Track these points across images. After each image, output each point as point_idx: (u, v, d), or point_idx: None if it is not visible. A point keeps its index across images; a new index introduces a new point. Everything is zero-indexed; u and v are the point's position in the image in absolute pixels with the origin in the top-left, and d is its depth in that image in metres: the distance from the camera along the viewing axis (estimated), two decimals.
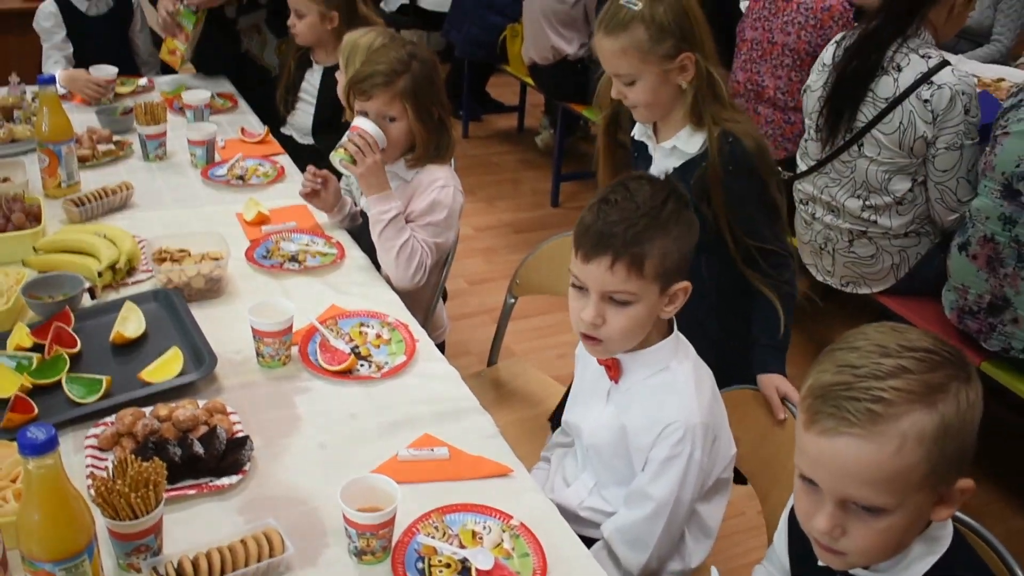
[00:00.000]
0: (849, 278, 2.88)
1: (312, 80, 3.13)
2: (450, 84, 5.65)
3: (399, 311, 2.10)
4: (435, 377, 1.90)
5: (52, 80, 2.48)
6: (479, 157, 5.28)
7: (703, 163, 1.91)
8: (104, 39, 3.43)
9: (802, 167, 2.92)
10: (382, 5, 5.52)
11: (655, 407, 1.57)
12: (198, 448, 1.57)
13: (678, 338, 1.64)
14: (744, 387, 1.88)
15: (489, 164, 5.19)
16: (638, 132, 2.08)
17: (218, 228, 2.36)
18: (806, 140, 2.90)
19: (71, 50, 3.40)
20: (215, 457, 1.57)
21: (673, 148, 1.97)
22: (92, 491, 1.36)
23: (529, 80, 4.64)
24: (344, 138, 2.21)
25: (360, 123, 2.21)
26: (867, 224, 2.75)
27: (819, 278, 2.99)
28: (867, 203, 2.72)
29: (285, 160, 2.85)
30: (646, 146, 2.06)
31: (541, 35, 4.23)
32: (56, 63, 3.37)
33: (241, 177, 2.72)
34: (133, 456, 1.41)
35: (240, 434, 1.65)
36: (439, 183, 2.27)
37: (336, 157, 2.21)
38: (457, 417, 1.77)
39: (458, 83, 5.47)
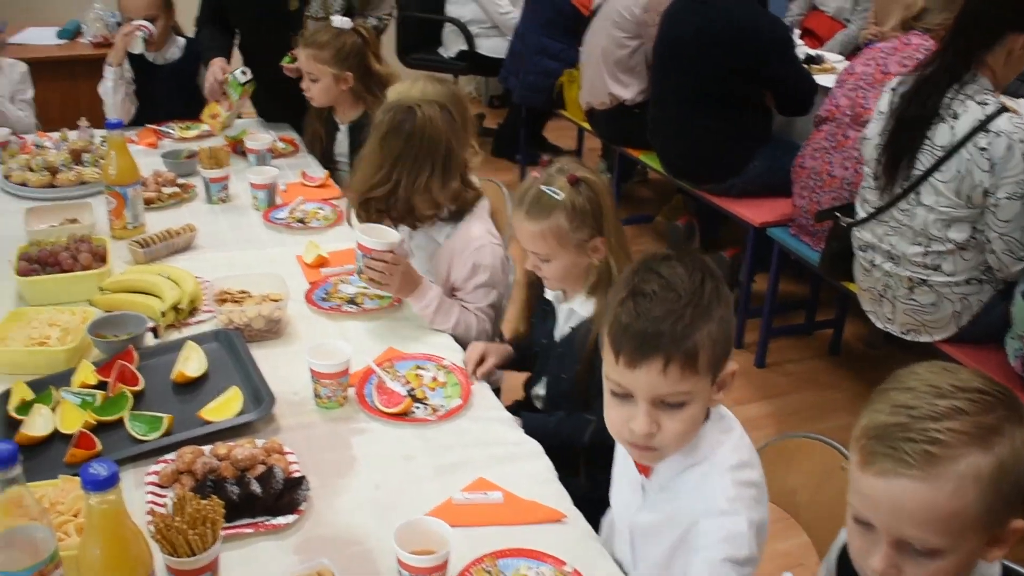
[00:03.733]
0: (910, 326, 2.84)
1: (341, 141, 3.19)
2: (507, 129, 5.72)
3: (455, 355, 2.12)
4: (490, 421, 1.90)
5: (119, 124, 2.55)
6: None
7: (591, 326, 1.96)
8: (171, 86, 3.52)
9: (861, 214, 2.89)
10: (440, 51, 5.60)
11: (695, 501, 1.42)
12: (255, 487, 1.59)
13: (719, 419, 1.47)
14: (799, 435, 1.85)
15: None
16: (550, 294, 2.12)
17: (279, 270, 2.40)
18: (864, 187, 2.88)
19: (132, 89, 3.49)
20: (272, 496, 1.59)
21: (571, 311, 2.04)
22: (151, 527, 1.39)
23: (586, 125, 4.67)
24: (358, 262, 2.17)
25: (364, 242, 2.15)
26: (927, 272, 2.71)
27: (879, 325, 2.95)
28: (927, 251, 2.69)
29: (345, 204, 2.89)
30: (553, 305, 2.12)
31: (599, 81, 4.27)
32: (111, 108, 3.45)
33: (301, 220, 2.77)
34: (192, 493, 1.44)
35: (297, 474, 1.66)
36: (474, 244, 2.28)
37: (362, 284, 2.23)
38: (512, 461, 1.77)
39: (515, 128, 5.52)
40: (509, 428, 1.89)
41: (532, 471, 1.76)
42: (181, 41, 3.54)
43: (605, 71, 4.21)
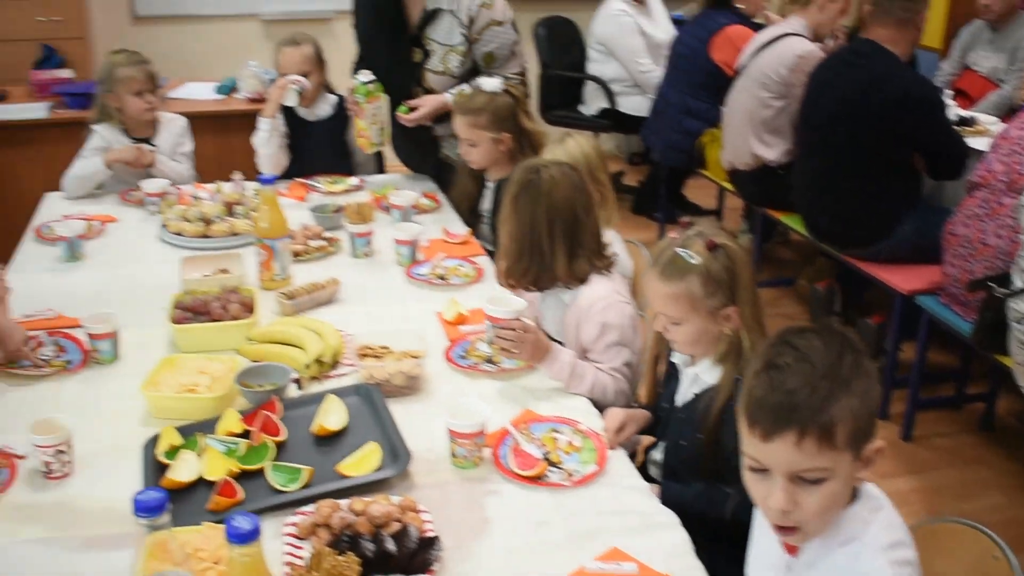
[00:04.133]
0: None
1: (487, 197, 3.23)
2: (647, 187, 5.70)
3: (591, 418, 2.09)
4: (626, 488, 1.86)
5: (273, 180, 2.65)
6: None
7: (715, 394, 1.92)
8: (322, 142, 3.64)
9: (1018, 284, 2.75)
10: (581, 108, 5.64)
11: None
12: (390, 545, 1.60)
13: (867, 497, 1.40)
14: (951, 520, 1.74)
15: None
16: (677, 357, 2.09)
17: (418, 326, 2.44)
18: (1021, 257, 2.74)
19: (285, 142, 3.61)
20: (406, 555, 1.59)
21: (696, 376, 2.00)
22: None
23: (728, 185, 4.62)
24: (488, 332, 2.20)
25: (491, 311, 2.18)
26: None
27: None
28: None
29: (485, 262, 2.91)
30: (678, 368, 2.08)
31: (742, 141, 4.22)
32: (264, 159, 3.58)
33: (442, 276, 2.80)
34: (329, 549, 1.45)
35: (430, 533, 1.66)
36: (600, 304, 2.27)
37: (492, 353, 2.25)
38: (647, 532, 1.73)
39: (655, 187, 5.49)
40: (645, 497, 1.84)
41: (668, 543, 1.71)
42: (332, 98, 3.66)
43: (749, 131, 4.16)
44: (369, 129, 3.41)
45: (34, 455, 1.88)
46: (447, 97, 3.39)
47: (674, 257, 1.90)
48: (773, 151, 4.13)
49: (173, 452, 1.91)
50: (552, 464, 1.91)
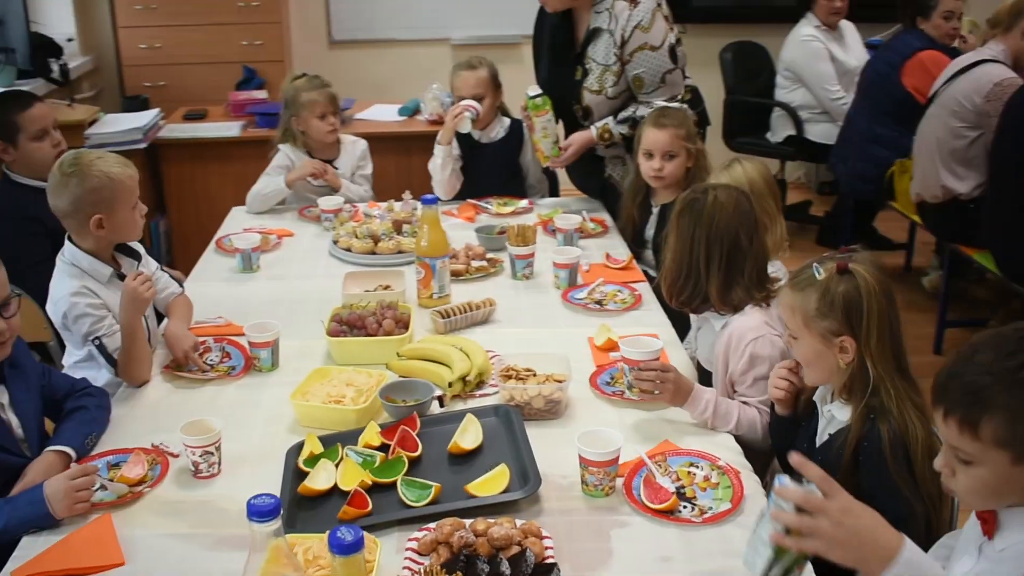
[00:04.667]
0: None
1: (652, 223, 3.17)
2: (833, 218, 5.48)
3: (733, 455, 2.01)
4: None
5: (435, 201, 2.70)
6: None
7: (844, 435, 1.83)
8: (494, 163, 3.69)
9: None
10: (768, 136, 5.49)
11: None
12: (505, 568, 1.58)
13: None
14: None
15: None
16: (817, 395, 1.97)
17: (570, 351, 2.41)
18: None
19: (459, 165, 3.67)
20: None
21: (832, 416, 1.90)
22: None
23: (916, 217, 4.37)
24: (627, 376, 2.18)
25: (629, 355, 2.15)
26: None
27: None
28: None
29: (644, 288, 2.86)
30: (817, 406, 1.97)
31: (931, 172, 3.98)
32: (439, 184, 3.66)
33: (599, 302, 2.77)
34: (440, 567, 1.44)
35: (549, 560, 1.64)
36: (751, 335, 2.18)
37: (633, 395, 2.19)
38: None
39: (842, 217, 5.27)
40: None
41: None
42: (506, 121, 3.70)
43: (939, 162, 3.92)
44: (541, 143, 3.43)
45: (186, 454, 1.97)
46: (592, 133, 3.40)
47: (805, 269, 1.86)
48: (964, 184, 3.88)
49: (313, 460, 1.96)
50: (686, 499, 1.85)
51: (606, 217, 3.52)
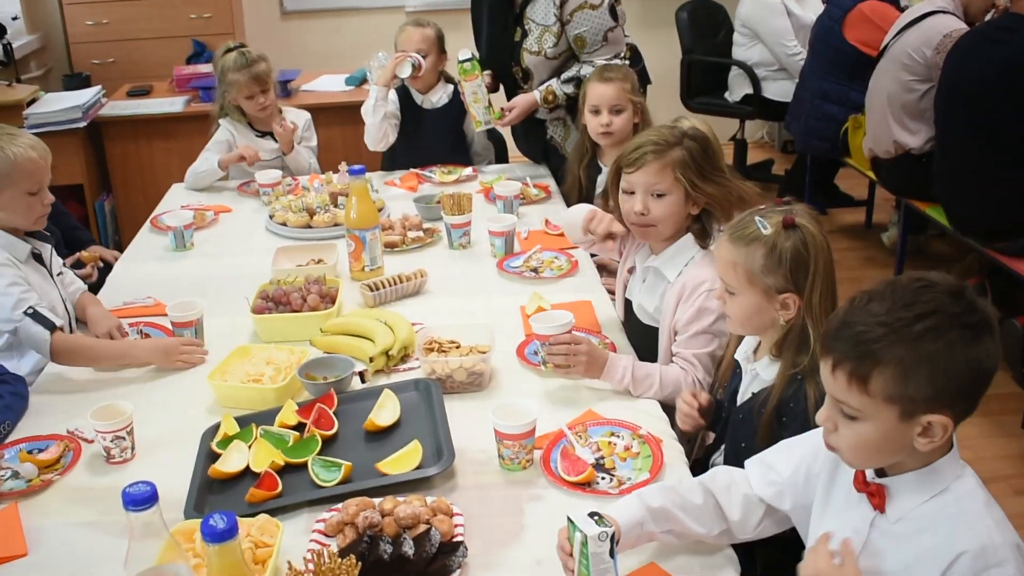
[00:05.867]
0: None
1: (602, 184, 3.11)
2: (794, 177, 5.43)
3: (657, 423, 1.97)
4: None
5: (363, 171, 2.64)
6: None
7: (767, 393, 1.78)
8: (438, 130, 3.62)
9: None
10: (726, 95, 5.43)
11: (942, 536, 1.30)
12: (408, 548, 1.54)
13: (956, 454, 1.36)
14: None
15: None
16: (739, 353, 1.93)
17: (501, 320, 2.38)
18: None
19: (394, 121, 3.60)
20: (423, 559, 1.53)
21: (756, 374, 1.84)
22: None
23: (870, 173, 4.33)
24: (540, 351, 2.12)
25: (538, 330, 2.09)
26: None
27: None
28: None
29: (582, 254, 2.82)
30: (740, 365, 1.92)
31: (884, 127, 3.93)
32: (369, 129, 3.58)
33: (535, 269, 2.73)
34: (332, 551, 1.41)
35: (458, 538, 1.60)
36: (705, 287, 2.12)
37: (548, 371, 2.13)
38: (695, 551, 1.61)
39: (802, 176, 5.23)
40: None
41: (715, 564, 1.59)
42: (449, 88, 3.63)
43: (891, 117, 3.87)
44: (473, 107, 3.38)
45: (97, 440, 1.93)
46: (536, 96, 3.35)
47: (747, 222, 1.79)
48: (916, 138, 3.83)
49: (227, 442, 1.92)
50: (604, 470, 1.82)
51: (550, 183, 3.47)
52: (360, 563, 1.49)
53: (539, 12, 3.26)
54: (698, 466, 1.94)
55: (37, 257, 2.41)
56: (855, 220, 5.43)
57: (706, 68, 5.47)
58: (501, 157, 3.91)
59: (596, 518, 1.44)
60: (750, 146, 6.06)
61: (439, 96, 3.62)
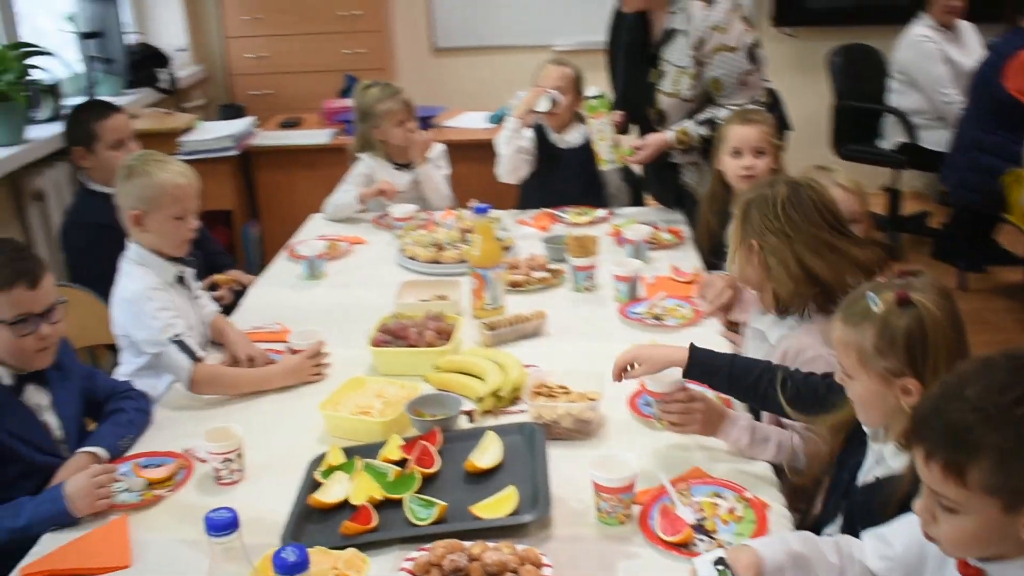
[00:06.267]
0: None
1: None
2: (950, 230, 5.19)
3: (765, 487, 1.89)
4: None
5: (487, 209, 2.65)
6: (973, 313, 4.72)
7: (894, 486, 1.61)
8: (572, 171, 3.61)
9: None
10: (879, 143, 5.24)
11: None
12: None
13: None
14: None
15: (983, 322, 4.63)
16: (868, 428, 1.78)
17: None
18: None
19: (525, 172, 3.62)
20: None
21: (882, 455, 1.71)
22: None
23: None
24: (655, 409, 2.05)
25: (651, 387, 2.03)
26: None
27: None
28: None
29: (706, 304, 2.74)
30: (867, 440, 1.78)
31: None
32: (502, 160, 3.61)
33: (658, 317, 2.67)
34: None
35: None
36: (808, 353, 2.02)
37: (662, 427, 2.05)
38: None
39: (957, 230, 4.98)
40: None
41: None
42: (584, 128, 3.63)
43: None
44: (598, 145, 3.36)
45: (209, 461, 1.98)
46: (668, 135, 3.29)
47: (859, 299, 1.66)
48: None
49: (330, 471, 1.94)
50: (704, 532, 1.75)
51: (684, 228, 3.40)
52: None
53: (676, 54, 3.23)
54: None
55: (181, 280, 2.51)
56: (1017, 279, 5.14)
57: (858, 115, 5.30)
58: (637, 200, 3.87)
59: (720, 567, 1.41)
60: (906, 196, 5.82)
61: (574, 136, 3.62)
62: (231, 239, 4.45)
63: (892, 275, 1.72)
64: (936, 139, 4.95)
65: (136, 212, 2.38)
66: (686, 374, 2.00)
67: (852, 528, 1.74)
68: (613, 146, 3.34)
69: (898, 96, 5.08)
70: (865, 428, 1.80)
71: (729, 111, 3.16)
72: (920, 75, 4.92)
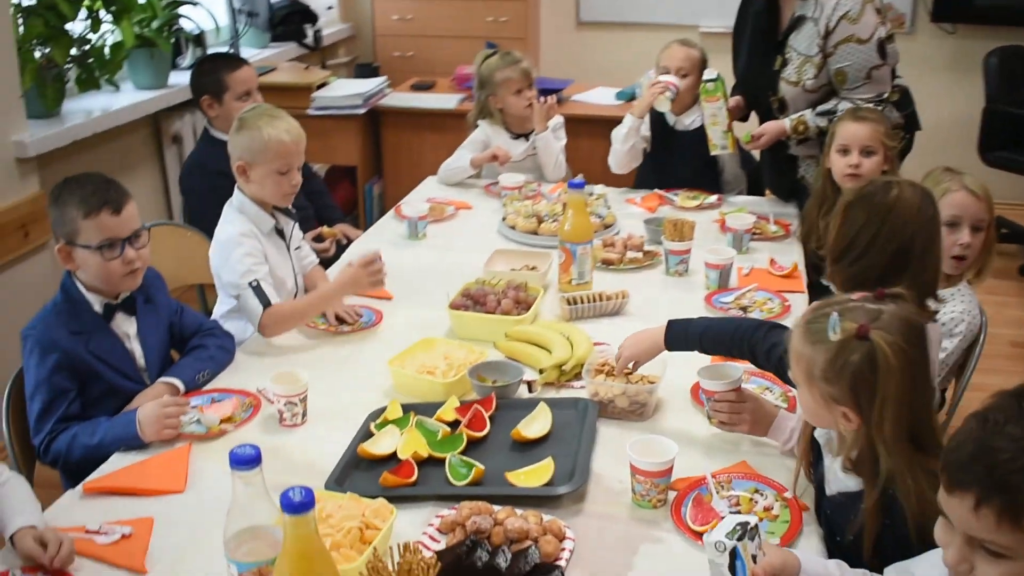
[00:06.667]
0: None
1: None
2: None
3: (809, 491, 1.84)
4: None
5: (582, 185, 2.67)
6: None
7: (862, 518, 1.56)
8: (688, 153, 3.56)
9: None
10: None
11: None
12: (502, 560, 1.55)
13: None
14: None
15: None
16: (819, 432, 1.73)
17: (690, 356, 2.31)
18: None
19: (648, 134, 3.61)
20: (512, 575, 1.54)
21: (835, 473, 1.65)
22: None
23: None
24: (706, 406, 2.00)
25: (705, 384, 1.98)
26: None
27: None
28: None
29: (800, 300, 2.68)
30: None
31: None
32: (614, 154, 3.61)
33: (744, 308, 2.63)
34: (418, 547, 1.44)
35: (560, 562, 1.59)
36: None
37: (712, 425, 2.01)
38: None
39: None
40: None
41: None
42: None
43: None
44: (710, 130, 3.32)
45: (275, 403, 2.08)
46: (786, 124, 3.20)
47: (821, 317, 1.58)
48: None
49: (384, 424, 2.01)
50: None
51: (794, 223, 3.32)
52: (451, 565, 1.53)
53: (803, 41, 3.14)
54: None
55: (279, 232, 2.62)
56: None
57: (1010, 120, 5.02)
58: (756, 190, 3.79)
59: (740, 529, 1.41)
60: None
61: (692, 119, 3.56)
62: (354, 195, 4.59)
63: (870, 295, 1.62)
64: None
65: (242, 163, 2.50)
66: (668, 348, 2.06)
67: (832, 535, 1.70)
68: (725, 131, 3.29)
69: None
70: (816, 436, 1.75)
71: (851, 104, 3.06)
72: None
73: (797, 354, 1.62)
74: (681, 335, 2.06)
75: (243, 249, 2.47)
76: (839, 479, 1.65)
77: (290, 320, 2.47)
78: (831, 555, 1.67)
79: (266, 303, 2.42)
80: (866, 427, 1.53)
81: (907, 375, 1.50)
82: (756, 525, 1.44)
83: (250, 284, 2.43)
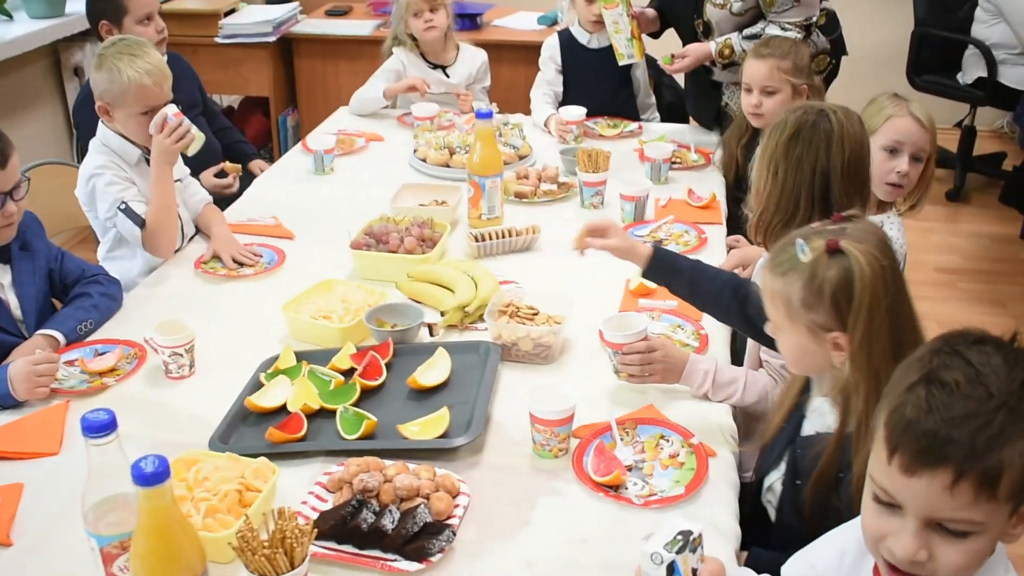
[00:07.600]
0: None
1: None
2: (1020, 174, 4.89)
3: (714, 433, 1.78)
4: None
5: (489, 115, 2.54)
6: None
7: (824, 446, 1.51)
8: (602, 73, 3.44)
9: None
10: (959, 76, 4.91)
11: None
12: (389, 522, 1.47)
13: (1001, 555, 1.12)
14: None
15: None
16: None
17: (603, 292, 2.24)
18: None
19: (560, 88, 3.49)
20: (401, 536, 1.46)
21: (819, 414, 1.58)
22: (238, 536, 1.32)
23: None
24: (611, 360, 1.91)
25: (609, 338, 1.88)
26: None
27: None
28: None
29: (716, 232, 2.61)
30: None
31: None
32: (544, 96, 3.48)
33: (660, 241, 2.55)
34: (291, 512, 1.35)
35: (452, 519, 1.51)
36: None
37: (621, 379, 1.92)
38: None
39: None
40: (724, 542, 1.53)
41: None
42: None
43: None
44: (613, 39, 3.19)
45: (160, 353, 1.95)
46: (711, 47, 3.07)
47: (788, 247, 1.52)
48: None
49: (275, 375, 1.90)
50: (642, 475, 1.66)
51: (716, 152, 3.23)
52: (334, 527, 1.45)
53: None
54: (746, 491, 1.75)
55: (147, 160, 2.45)
56: None
57: (940, 44, 4.96)
58: (679, 116, 3.69)
59: (682, 540, 1.28)
60: (983, 136, 5.48)
61: (605, 38, 3.41)
62: (268, 128, 4.41)
63: (828, 221, 1.56)
64: (1018, 76, 4.62)
65: (103, 104, 2.35)
66: (646, 274, 1.95)
67: (793, 478, 1.63)
68: (630, 39, 3.16)
69: (983, 27, 4.72)
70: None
71: (779, 28, 2.96)
72: (1008, 6, 4.56)
73: (771, 293, 1.54)
74: (667, 263, 1.93)
75: (104, 179, 2.37)
76: (822, 416, 1.57)
77: (162, 225, 2.37)
78: (784, 506, 1.63)
79: (140, 223, 2.34)
80: (853, 347, 1.45)
81: (883, 280, 1.44)
82: (700, 535, 1.31)
83: (119, 208, 2.34)
